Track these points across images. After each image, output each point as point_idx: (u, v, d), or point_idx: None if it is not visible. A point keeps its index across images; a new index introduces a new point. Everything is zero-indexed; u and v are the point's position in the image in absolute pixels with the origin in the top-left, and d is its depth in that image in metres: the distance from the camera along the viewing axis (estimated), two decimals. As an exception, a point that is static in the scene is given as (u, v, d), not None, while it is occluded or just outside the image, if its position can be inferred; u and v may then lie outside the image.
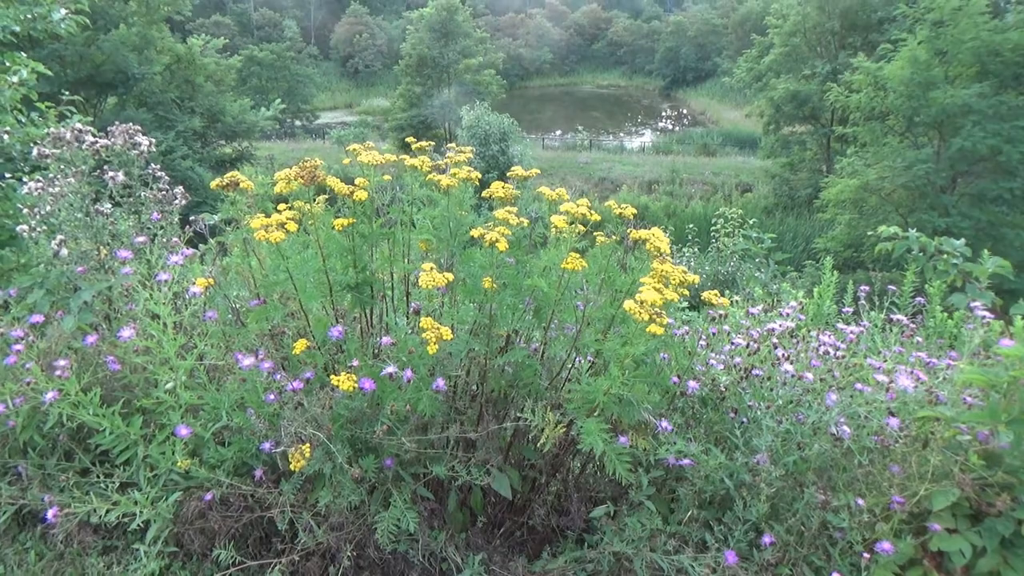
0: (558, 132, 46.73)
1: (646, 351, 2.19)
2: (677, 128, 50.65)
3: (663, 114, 57.66)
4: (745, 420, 2.45)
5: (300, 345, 2.35)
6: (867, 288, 3.95)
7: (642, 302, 2.04)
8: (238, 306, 2.97)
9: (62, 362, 2.32)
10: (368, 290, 2.63)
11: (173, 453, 2.42)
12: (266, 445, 2.25)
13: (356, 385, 2.05)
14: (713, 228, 10.24)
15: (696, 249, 10.34)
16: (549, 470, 2.71)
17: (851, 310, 3.68)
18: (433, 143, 3.00)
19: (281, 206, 2.57)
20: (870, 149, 17.13)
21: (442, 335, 2.06)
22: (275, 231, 2.20)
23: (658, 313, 2.01)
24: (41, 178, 3.45)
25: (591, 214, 2.35)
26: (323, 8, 66.41)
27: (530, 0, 77.66)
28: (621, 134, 48.05)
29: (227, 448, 2.49)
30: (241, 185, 2.60)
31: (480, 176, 2.75)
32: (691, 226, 10.95)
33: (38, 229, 3.47)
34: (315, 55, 55.89)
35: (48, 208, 3.34)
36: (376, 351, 2.37)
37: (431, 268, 2.11)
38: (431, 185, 2.66)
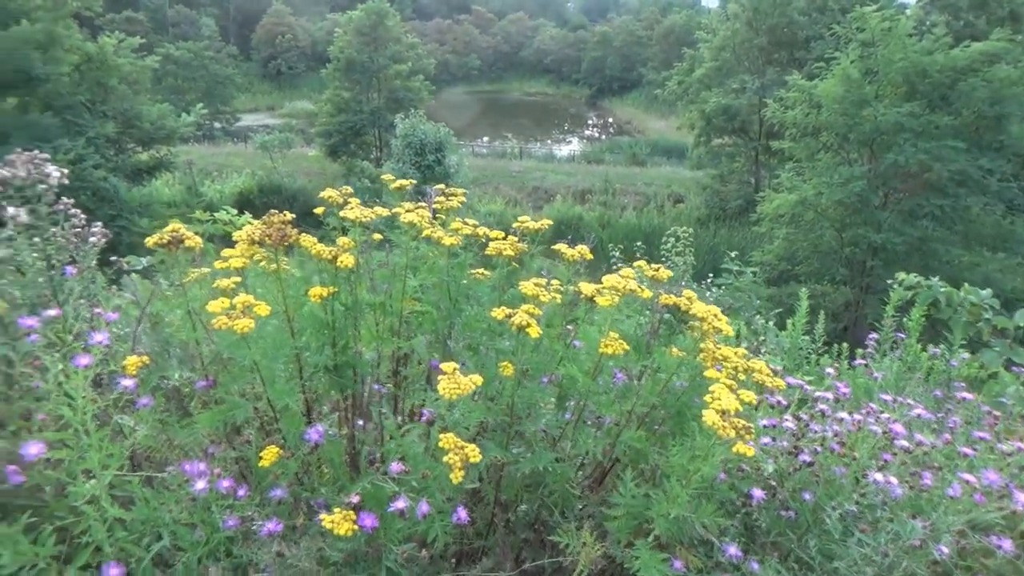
0: (486, 139, 46.39)
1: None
2: (604, 136, 51.20)
3: (590, 122, 58.28)
4: (810, 525, 2.06)
5: (270, 455, 1.82)
6: (876, 336, 3.67)
7: (723, 412, 1.61)
8: (179, 385, 2.40)
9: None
10: (350, 373, 2.11)
11: (98, 581, 1.85)
12: (225, 589, 1.73)
13: (355, 527, 1.54)
14: (664, 247, 9.99)
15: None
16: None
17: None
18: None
19: (231, 252, 2.04)
20: (805, 165, 17.39)
21: (468, 456, 1.57)
22: (240, 317, 1.67)
23: (746, 429, 1.59)
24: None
25: (641, 289, 1.90)
26: (243, 7, 64.13)
27: (457, 6, 77.33)
28: (549, 142, 48.16)
29: (169, 573, 1.94)
30: (186, 243, 2.04)
31: (475, 224, 2.29)
32: (639, 243, 10.66)
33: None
34: (235, 55, 53.71)
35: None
36: (371, 459, 1.86)
37: (454, 370, 1.62)
38: (424, 242, 2.17)
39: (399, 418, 2.29)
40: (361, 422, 2.24)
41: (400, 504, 1.57)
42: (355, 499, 1.57)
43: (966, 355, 3.40)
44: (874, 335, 3.57)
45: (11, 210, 2.67)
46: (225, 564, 1.80)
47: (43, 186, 2.77)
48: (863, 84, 15.35)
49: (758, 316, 6.14)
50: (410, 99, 32.80)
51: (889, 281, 3.77)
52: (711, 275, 9.69)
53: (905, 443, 2.13)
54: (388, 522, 1.65)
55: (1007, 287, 12.70)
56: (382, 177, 2.59)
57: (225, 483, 1.80)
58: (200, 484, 1.75)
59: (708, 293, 9.84)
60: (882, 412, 2.38)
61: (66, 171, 2.91)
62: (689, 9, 62.73)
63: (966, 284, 3.48)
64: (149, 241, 2.05)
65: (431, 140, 23.92)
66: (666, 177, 34.33)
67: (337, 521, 1.54)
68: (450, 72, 63.81)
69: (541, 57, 70.93)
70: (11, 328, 2.53)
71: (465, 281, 2.18)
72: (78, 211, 2.96)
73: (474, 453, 1.58)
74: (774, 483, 2.20)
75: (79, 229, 2.91)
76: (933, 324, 4.51)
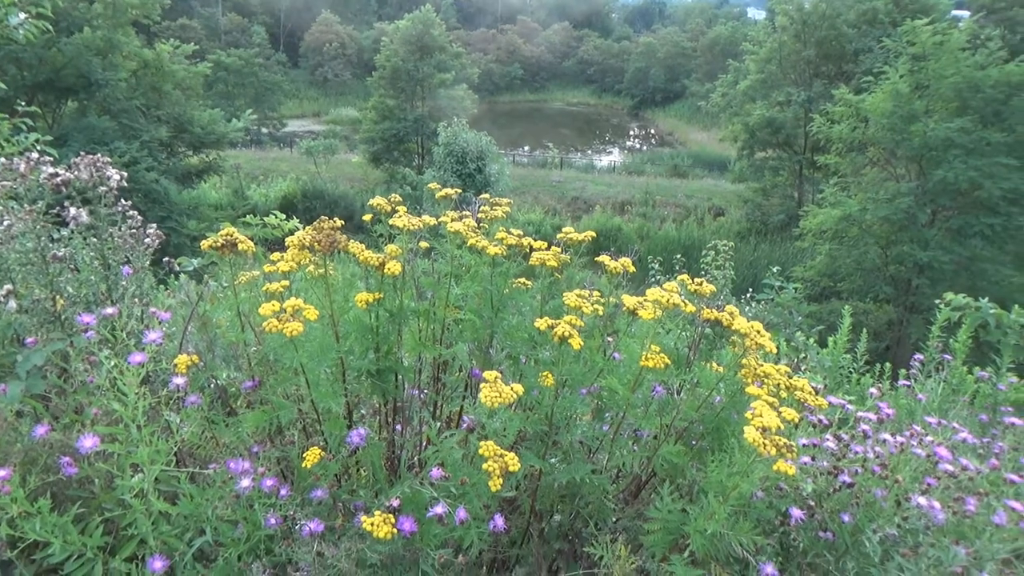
0: (527, 148, 46.49)
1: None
2: (645, 148, 50.93)
3: (631, 133, 58.03)
4: (848, 548, 2.02)
5: (312, 456, 1.86)
6: (920, 357, 3.60)
7: (764, 429, 1.60)
8: (226, 385, 2.47)
9: (1, 472, 1.80)
10: (392, 378, 2.15)
11: (141, 572, 1.90)
12: (265, 585, 1.77)
13: (394, 531, 1.57)
14: (704, 261, 9.90)
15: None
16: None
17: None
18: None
19: (280, 256, 2.08)
20: (851, 180, 17.11)
21: (507, 465, 1.59)
22: (289, 320, 1.72)
23: (788, 447, 1.58)
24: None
25: (685, 303, 1.91)
26: (293, 15, 65.41)
27: (502, 16, 77.77)
28: (590, 152, 48.08)
29: (211, 569, 1.99)
30: (239, 247, 2.10)
31: (520, 234, 2.32)
32: (679, 256, 10.59)
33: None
34: (283, 62, 54.86)
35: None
36: (410, 464, 1.89)
37: (496, 378, 1.64)
38: (468, 250, 2.20)
39: (439, 424, 2.32)
40: (400, 427, 2.28)
41: (439, 510, 1.60)
42: (395, 503, 1.60)
43: (1014, 379, 3.31)
44: (919, 356, 3.50)
45: (73, 211, 2.78)
46: (265, 561, 1.84)
47: (104, 188, 2.87)
48: (912, 99, 15.06)
49: (799, 333, 6.04)
50: (453, 108, 33.08)
51: (936, 301, 3.69)
52: (751, 290, 9.57)
53: (949, 467, 2.09)
54: (426, 527, 1.68)
55: (1060, 310, 12.28)
56: (428, 186, 2.63)
57: (268, 482, 1.84)
58: (244, 482, 1.79)
59: (748, 308, 9.73)
60: (926, 435, 2.34)
61: (125, 174, 3.02)
62: (735, 21, 62.18)
63: (1017, 306, 3.40)
64: (204, 244, 2.12)
65: (472, 149, 24.08)
66: (707, 190, 34.01)
67: (377, 524, 1.57)
68: (493, 81, 64.19)
69: (584, 67, 70.94)
70: (68, 324, 2.63)
71: (507, 291, 2.21)
72: (135, 213, 3.06)
73: (513, 462, 1.60)
74: (812, 503, 2.17)
75: (135, 231, 3.00)
76: (980, 346, 4.40)
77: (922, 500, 1.89)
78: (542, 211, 30.34)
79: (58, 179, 2.83)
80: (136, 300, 2.82)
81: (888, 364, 4.28)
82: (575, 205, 32.19)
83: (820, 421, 2.53)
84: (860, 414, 2.51)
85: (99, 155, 2.93)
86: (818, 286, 17.60)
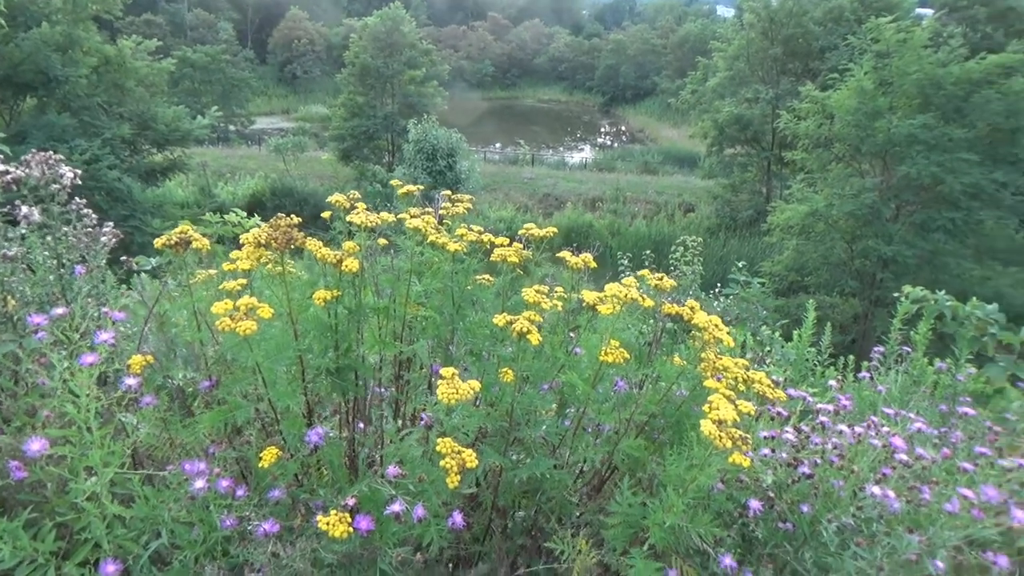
0: (498, 145, 46.43)
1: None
2: (616, 144, 51.15)
3: (602, 130, 58.22)
4: (807, 538, 2.05)
5: (269, 456, 1.84)
6: (881, 349, 3.66)
7: (720, 422, 1.61)
8: (183, 385, 2.42)
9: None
10: (352, 376, 2.13)
11: (96, 576, 1.86)
12: (221, 586, 1.74)
13: (351, 530, 1.56)
14: (673, 256, 9.97)
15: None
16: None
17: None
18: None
19: (238, 254, 2.05)
20: (817, 176, 17.35)
21: (465, 462, 1.58)
22: (243, 319, 1.69)
23: (743, 439, 1.59)
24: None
25: (643, 298, 1.91)
26: (261, 11, 64.57)
27: (472, 12, 77.55)
28: (561, 149, 48.16)
29: (166, 572, 1.95)
30: (194, 245, 2.07)
31: (480, 230, 2.31)
32: (649, 252, 10.65)
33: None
34: (251, 59, 54.07)
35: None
36: (370, 462, 1.88)
37: (453, 375, 1.63)
38: (429, 247, 2.19)
39: (400, 422, 2.30)
40: (362, 425, 2.26)
41: (396, 507, 1.58)
42: (351, 501, 1.58)
43: (972, 370, 3.38)
44: (879, 348, 3.56)
45: (24, 209, 2.71)
46: (221, 563, 1.82)
47: (56, 186, 2.81)
48: (877, 95, 15.30)
49: (764, 327, 6.10)
50: (423, 104, 32.90)
51: (896, 294, 3.75)
52: (719, 285, 9.67)
53: (905, 457, 2.12)
54: (384, 525, 1.67)
55: (1019, 301, 12.60)
56: (392, 182, 2.61)
57: (224, 483, 1.81)
58: (199, 483, 1.76)
59: (716, 303, 9.83)
60: (883, 425, 2.37)
61: (79, 171, 2.95)
62: (704, 18, 62.64)
63: (973, 298, 3.46)
64: (157, 242, 2.08)
65: (443, 146, 24.00)
66: (677, 186, 34.26)
67: (332, 523, 1.56)
68: (464, 78, 63.98)
69: (555, 64, 70.98)
70: (19, 325, 2.57)
71: (469, 287, 2.20)
72: (90, 211, 2.99)
73: (471, 458, 1.59)
74: (772, 495, 2.19)
75: (90, 229, 2.94)
76: (940, 338, 4.48)
77: (877, 490, 1.92)
78: (513, 208, 30.33)
79: (8, 177, 2.76)
80: (91, 300, 2.76)
81: (852, 357, 4.34)
82: (547, 202, 32.22)
83: (780, 414, 2.56)
84: (820, 406, 2.54)
85: (51, 152, 2.86)
86: (785, 281, 17.85)
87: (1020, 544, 1.91)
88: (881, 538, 1.87)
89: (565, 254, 2.20)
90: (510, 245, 2.26)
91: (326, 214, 2.24)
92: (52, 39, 19.63)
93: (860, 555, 1.82)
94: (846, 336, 15.13)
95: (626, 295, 1.87)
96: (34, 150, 2.90)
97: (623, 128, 57.91)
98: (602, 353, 1.89)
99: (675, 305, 2.19)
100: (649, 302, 1.94)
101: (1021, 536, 1.91)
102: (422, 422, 1.72)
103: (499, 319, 1.83)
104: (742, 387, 1.93)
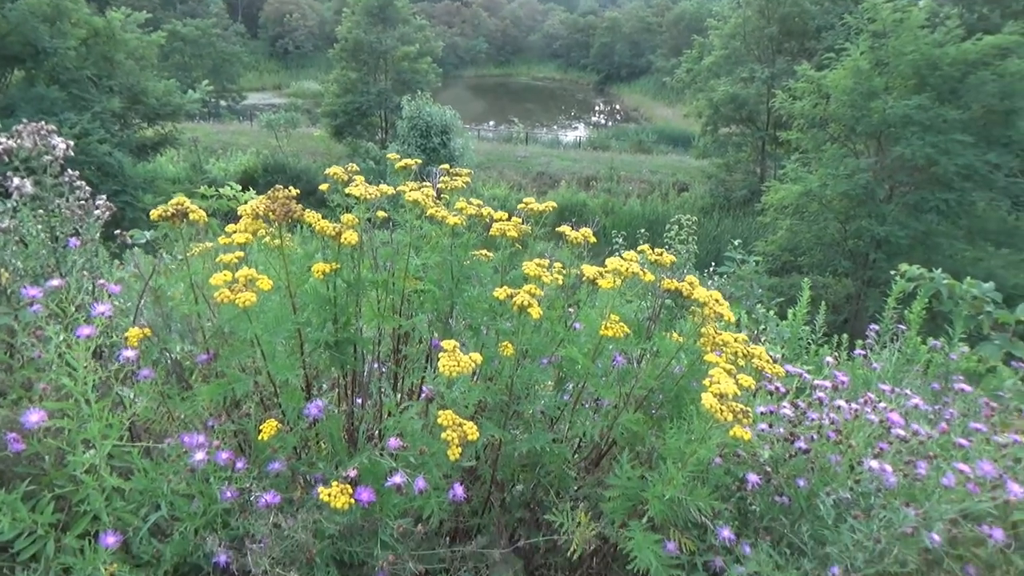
0: (492, 123, 46.17)
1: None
2: (610, 123, 50.92)
3: (596, 108, 57.94)
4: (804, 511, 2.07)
5: (268, 429, 1.83)
6: (876, 327, 3.68)
7: (721, 395, 1.62)
8: (180, 358, 2.41)
9: (-56, 451, 1.74)
10: (351, 349, 2.12)
11: (95, 551, 1.86)
12: (221, 558, 1.74)
13: (352, 501, 1.56)
14: (668, 235, 9.95)
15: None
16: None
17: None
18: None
19: (235, 227, 2.03)
20: (811, 156, 17.34)
21: (466, 434, 1.58)
22: (242, 290, 1.68)
23: (744, 413, 1.59)
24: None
25: (643, 272, 1.90)
26: (251, -16, 63.72)
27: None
28: (555, 127, 47.92)
29: (166, 544, 1.95)
30: (191, 216, 2.04)
31: (480, 203, 2.30)
32: (643, 231, 10.60)
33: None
34: (242, 33, 53.32)
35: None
36: (369, 435, 1.88)
37: (454, 348, 1.62)
38: (427, 221, 2.17)
39: (399, 396, 2.30)
40: (360, 399, 2.26)
41: (397, 479, 1.58)
42: (352, 473, 1.58)
43: (965, 348, 3.40)
44: (875, 326, 3.57)
45: (16, 181, 2.68)
46: (222, 535, 1.82)
47: (48, 157, 2.77)
48: (872, 76, 15.27)
49: (759, 305, 6.13)
50: (417, 81, 32.58)
51: (893, 273, 3.76)
52: (713, 264, 9.67)
53: (901, 432, 2.14)
54: (385, 497, 1.67)
55: (1010, 282, 12.67)
56: (388, 156, 2.59)
57: (223, 455, 1.81)
58: (199, 455, 1.76)
59: (710, 282, 9.83)
60: (879, 402, 2.39)
61: (72, 143, 2.91)
62: (700, -4, 62.21)
63: (969, 278, 3.48)
64: (154, 213, 2.05)
65: (437, 123, 23.83)
66: (672, 165, 34.17)
67: (334, 494, 1.56)
68: (458, 55, 63.44)
69: (550, 42, 70.43)
70: (14, 298, 2.54)
71: (468, 262, 2.19)
72: (83, 183, 2.96)
73: (472, 431, 1.59)
74: (769, 469, 2.21)
75: (84, 202, 2.90)
76: (934, 317, 4.51)
77: (874, 464, 1.94)
78: (507, 186, 30.23)
79: None
80: (86, 273, 2.74)
81: (846, 335, 4.37)
82: (540, 180, 32.12)
83: (778, 389, 2.58)
84: (816, 382, 2.56)
85: (43, 123, 2.82)
86: (779, 260, 17.89)
87: (1015, 517, 1.93)
88: (878, 511, 1.89)
89: (565, 229, 2.19)
90: (508, 220, 2.25)
91: (324, 186, 2.22)
92: (39, 9, 19.30)
93: (856, 527, 1.84)
94: (838, 316, 15.21)
95: (627, 269, 1.86)
96: (25, 120, 2.86)
97: (617, 107, 57.62)
98: (602, 327, 1.89)
99: (675, 281, 2.19)
100: (650, 276, 1.93)
101: (1016, 509, 1.93)
102: (422, 395, 1.71)
103: (500, 292, 1.82)
104: (742, 362, 1.94)
